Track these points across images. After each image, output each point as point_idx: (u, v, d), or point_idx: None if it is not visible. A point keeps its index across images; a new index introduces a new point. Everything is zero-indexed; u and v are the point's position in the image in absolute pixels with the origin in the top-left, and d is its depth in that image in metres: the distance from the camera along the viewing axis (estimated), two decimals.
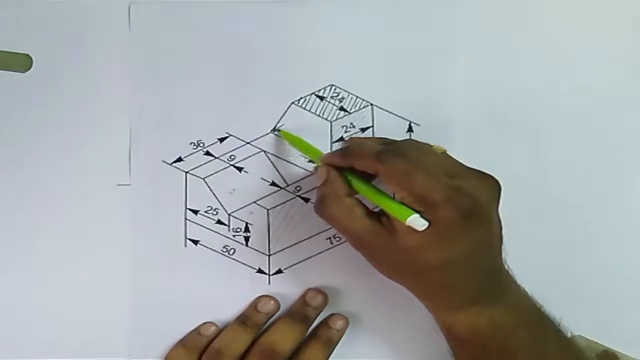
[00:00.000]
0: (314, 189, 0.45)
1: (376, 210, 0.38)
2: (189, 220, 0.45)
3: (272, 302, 0.43)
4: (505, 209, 0.45)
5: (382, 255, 0.37)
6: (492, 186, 0.37)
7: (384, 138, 0.43)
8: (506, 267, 0.38)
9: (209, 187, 0.45)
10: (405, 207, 0.35)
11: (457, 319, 0.37)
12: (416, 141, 0.39)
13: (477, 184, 0.36)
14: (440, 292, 0.37)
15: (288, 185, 0.45)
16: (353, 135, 0.45)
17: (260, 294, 0.44)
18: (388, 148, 0.37)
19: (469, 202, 0.34)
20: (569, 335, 0.38)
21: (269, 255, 0.45)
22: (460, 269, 0.35)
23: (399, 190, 0.36)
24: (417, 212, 0.34)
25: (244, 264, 0.45)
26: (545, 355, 0.37)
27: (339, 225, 0.38)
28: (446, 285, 0.36)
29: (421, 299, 0.38)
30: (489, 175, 0.37)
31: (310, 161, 0.45)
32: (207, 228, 0.45)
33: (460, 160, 0.38)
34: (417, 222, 0.34)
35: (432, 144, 0.39)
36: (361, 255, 0.38)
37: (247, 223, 0.45)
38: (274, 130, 0.45)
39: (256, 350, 0.42)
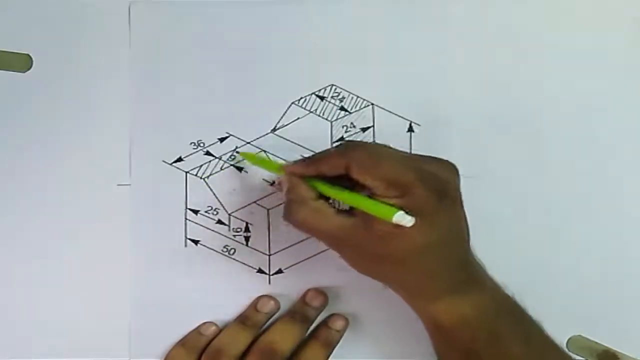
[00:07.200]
0: None
1: (346, 208, 0.37)
2: (189, 220, 0.45)
3: (272, 302, 0.44)
4: (505, 209, 0.45)
5: (359, 250, 0.37)
6: (452, 169, 0.37)
7: None
8: (476, 258, 0.38)
9: (209, 187, 0.45)
10: (386, 204, 0.34)
11: (440, 308, 0.37)
12: None
13: (439, 167, 0.36)
14: (419, 280, 0.37)
15: None
16: (353, 135, 0.45)
17: (260, 294, 0.44)
18: (346, 143, 0.38)
19: (439, 182, 0.35)
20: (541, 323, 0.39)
21: (269, 255, 0.45)
22: (436, 254, 0.35)
23: (370, 179, 0.35)
24: (392, 205, 0.34)
25: (244, 264, 0.45)
26: (530, 338, 0.37)
27: (309, 229, 0.37)
28: (424, 272, 0.36)
29: (402, 292, 0.38)
30: (446, 160, 0.37)
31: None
32: (207, 228, 0.45)
33: (461, 161, 0.38)
34: (404, 218, 0.33)
35: None
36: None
37: (247, 223, 0.45)
38: (273, 130, 0.45)
39: (256, 350, 0.42)
